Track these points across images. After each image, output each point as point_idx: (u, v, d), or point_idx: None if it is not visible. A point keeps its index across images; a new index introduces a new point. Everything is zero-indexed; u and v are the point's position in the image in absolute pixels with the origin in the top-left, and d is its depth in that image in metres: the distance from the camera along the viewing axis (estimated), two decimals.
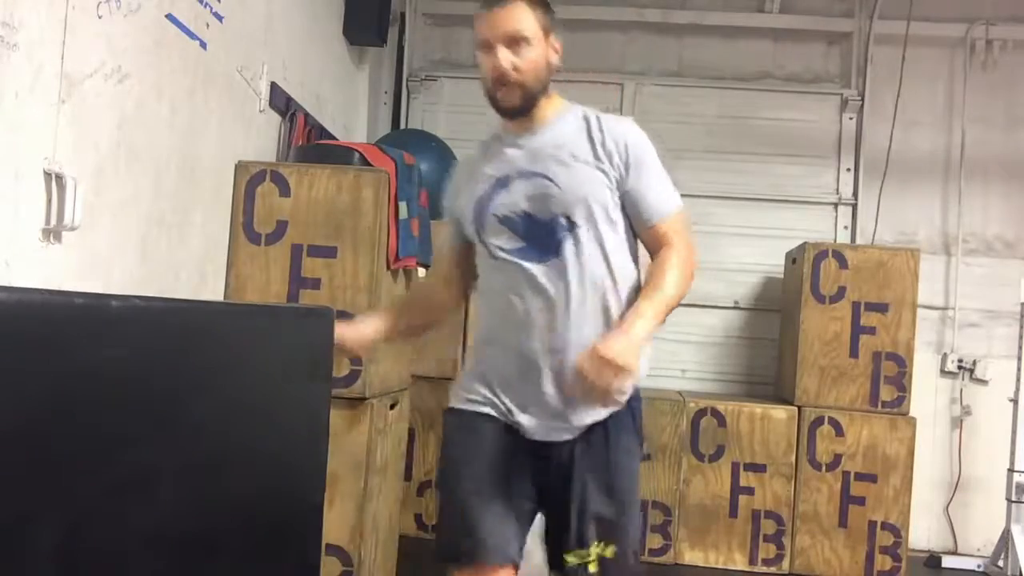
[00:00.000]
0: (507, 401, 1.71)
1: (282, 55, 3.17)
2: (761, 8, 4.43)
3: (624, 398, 1.66)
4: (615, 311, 1.67)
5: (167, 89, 2.34)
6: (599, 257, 1.67)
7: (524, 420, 1.69)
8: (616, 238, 1.69)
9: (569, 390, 1.58)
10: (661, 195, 1.70)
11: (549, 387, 1.66)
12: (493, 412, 1.72)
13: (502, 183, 1.70)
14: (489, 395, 1.72)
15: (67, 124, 1.90)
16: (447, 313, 1.96)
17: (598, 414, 1.69)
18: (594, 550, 1.65)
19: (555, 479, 1.70)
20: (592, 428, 1.70)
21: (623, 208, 1.70)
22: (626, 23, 4.49)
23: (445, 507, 1.77)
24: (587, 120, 1.71)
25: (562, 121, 1.73)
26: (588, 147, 1.68)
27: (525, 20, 1.65)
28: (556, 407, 1.67)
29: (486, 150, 1.79)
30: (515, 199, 1.68)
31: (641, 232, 1.73)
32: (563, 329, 1.65)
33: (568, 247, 1.65)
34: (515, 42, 1.64)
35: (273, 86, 3.09)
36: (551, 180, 1.66)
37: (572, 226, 1.65)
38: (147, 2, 2.19)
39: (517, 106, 1.68)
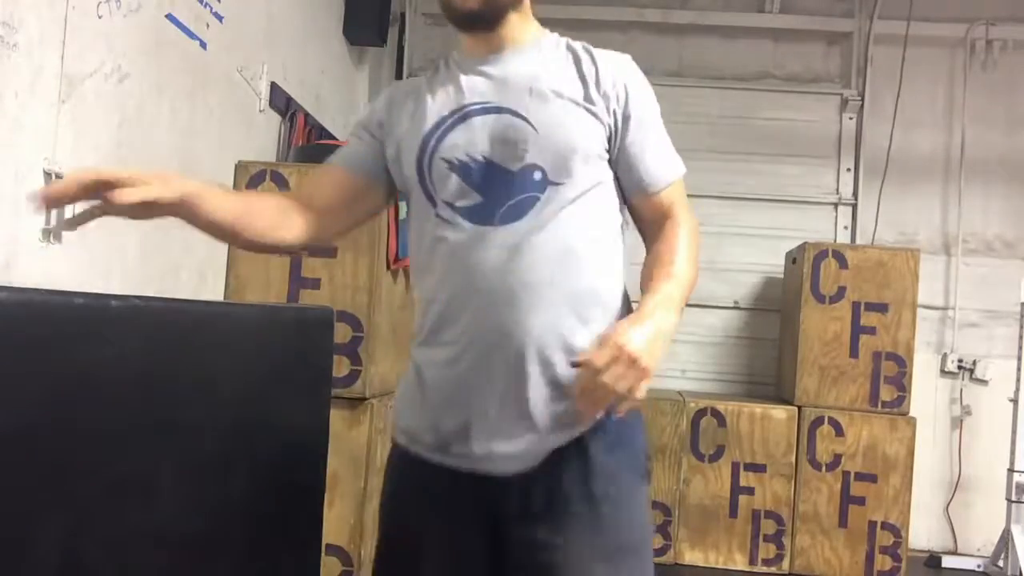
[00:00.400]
0: (446, 426, 1.29)
1: (282, 55, 3.17)
2: (761, 8, 4.43)
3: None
4: (592, 296, 1.28)
5: (167, 89, 2.34)
6: (578, 225, 1.28)
7: (467, 450, 1.28)
8: (601, 203, 1.32)
9: (572, 395, 1.19)
10: (665, 156, 1.36)
11: (500, 392, 1.25)
12: (434, 456, 1.31)
13: (458, 118, 1.30)
14: (428, 423, 1.32)
15: (67, 124, 1.90)
16: (274, 241, 1.34)
17: (570, 428, 1.27)
18: None
19: (517, 530, 1.27)
20: (564, 449, 1.28)
21: (612, 167, 1.34)
22: (626, 23, 4.49)
23: None
24: (574, 51, 1.35)
25: (539, 47, 1.35)
26: (578, 84, 1.31)
27: None
28: (510, 421, 1.25)
29: (434, 75, 1.38)
30: (473, 140, 1.28)
31: (635, 200, 1.36)
32: (523, 315, 1.23)
33: (538, 209, 1.26)
34: None
35: (273, 86, 3.09)
36: (525, 119, 1.27)
37: (547, 182, 1.26)
38: (147, 2, 2.19)
39: (475, 10, 1.29)
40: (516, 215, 1.25)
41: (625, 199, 1.37)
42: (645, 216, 1.37)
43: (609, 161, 1.33)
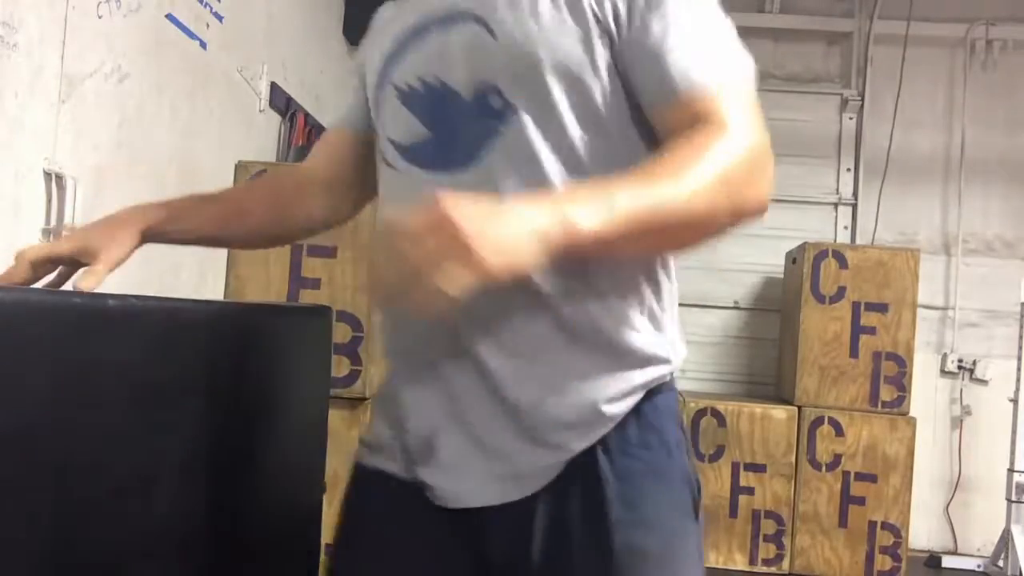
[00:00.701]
0: (410, 436, 0.98)
1: (282, 55, 3.17)
2: (761, 8, 4.43)
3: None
4: (592, 270, 0.91)
5: (167, 89, 2.34)
6: (560, 167, 0.89)
7: (432, 476, 0.96)
8: (597, 141, 0.91)
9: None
10: (701, 46, 0.91)
11: (473, 387, 0.92)
12: (396, 470, 1.01)
13: (417, 33, 0.98)
14: (390, 434, 1.02)
15: (67, 124, 1.90)
16: (279, 234, 1.21)
17: (580, 434, 0.91)
18: None
19: None
20: (571, 467, 0.92)
21: (624, 87, 0.91)
22: None
23: None
24: None
25: None
26: None
27: None
28: (486, 425, 0.92)
29: None
30: (428, 58, 0.96)
31: (658, 117, 0.90)
32: (487, 293, 0.76)
33: (499, 146, 0.90)
34: None
35: (273, 86, 3.09)
36: (485, 25, 0.91)
37: (508, 109, 0.90)
38: (147, 2, 2.19)
39: None
40: (470, 156, 0.91)
41: (647, 135, 0.92)
42: (672, 131, 0.88)
43: (623, 83, 0.91)
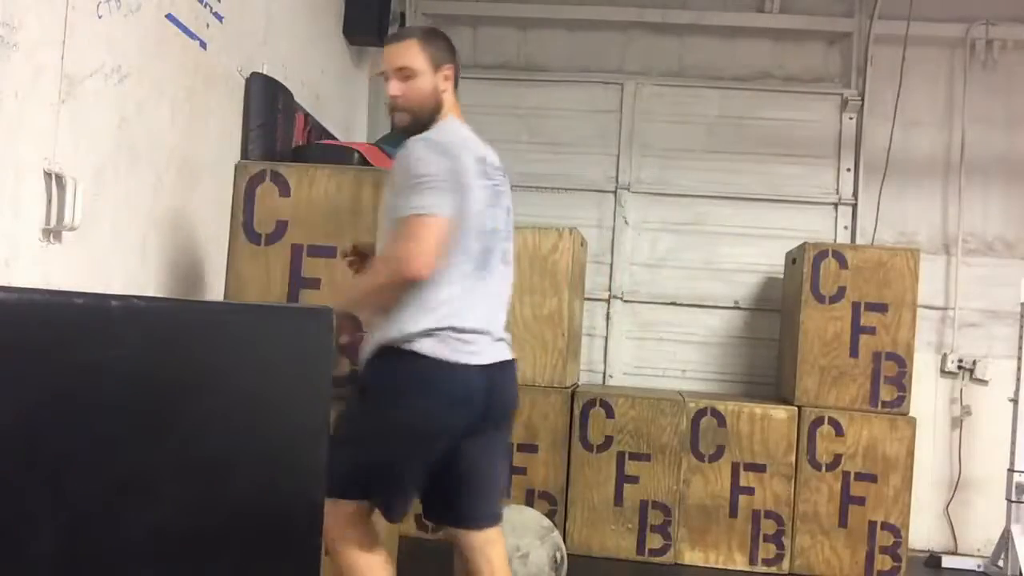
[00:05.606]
0: None
1: (282, 55, 3.17)
2: (761, 8, 4.43)
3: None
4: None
5: (167, 89, 2.34)
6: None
7: None
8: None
9: None
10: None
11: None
12: None
13: None
14: None
15: (67, 124, 1.90)
16: None
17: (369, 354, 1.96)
18: None
19: None
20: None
21: None
22: (626, 23, 4.49)
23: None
24: None
25: None
26: None
27: (414, 56, 1.94)
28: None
29: None
30: None
31: None
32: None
33: None
34: (403, 74, 1.93)
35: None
36: None
37: None
38: (147, 2, 2.19)
39: (406, 126, 1.96)
40: None
41: None
42: None
43: None
